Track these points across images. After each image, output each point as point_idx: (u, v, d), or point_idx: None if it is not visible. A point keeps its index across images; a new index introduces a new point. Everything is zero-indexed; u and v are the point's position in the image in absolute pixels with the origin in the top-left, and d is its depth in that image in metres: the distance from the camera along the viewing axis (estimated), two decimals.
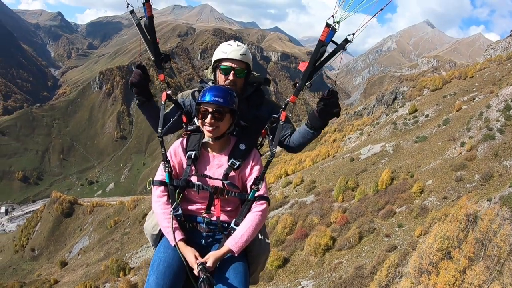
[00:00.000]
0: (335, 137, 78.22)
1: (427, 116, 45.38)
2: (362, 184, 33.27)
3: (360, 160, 40.63)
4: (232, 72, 2.65)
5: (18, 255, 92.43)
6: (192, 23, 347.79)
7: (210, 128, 2.41)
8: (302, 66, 2.47)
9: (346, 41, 2.27)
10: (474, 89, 48.06)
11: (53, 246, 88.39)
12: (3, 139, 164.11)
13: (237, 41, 2.76)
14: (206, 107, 2.39)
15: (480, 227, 18.53)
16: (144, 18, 2.58)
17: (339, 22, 2.22)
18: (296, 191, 41.21)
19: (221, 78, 2.70)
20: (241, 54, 2.64)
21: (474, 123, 33.63)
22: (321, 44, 2.31)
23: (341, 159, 45.76)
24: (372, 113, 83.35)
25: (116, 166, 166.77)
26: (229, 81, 2.65)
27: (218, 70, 2.71)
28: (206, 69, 2.92)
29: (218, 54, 2.69)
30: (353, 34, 2.21)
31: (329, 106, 2.50)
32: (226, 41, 2.86)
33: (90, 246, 71.68)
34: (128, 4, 2.45)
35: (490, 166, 26.54)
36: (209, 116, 2.39)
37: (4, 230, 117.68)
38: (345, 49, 2.31)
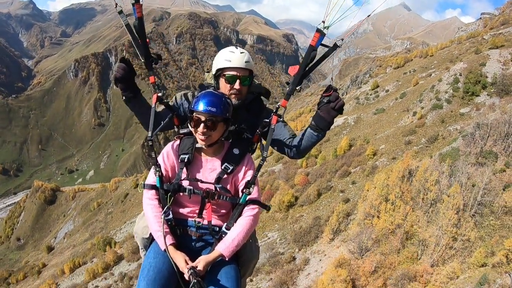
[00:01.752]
0: (310, 117, 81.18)
1: (387, 91, 48.80)
2: (324, 151, 36.70)
3: None
4: (238, 81, 2.62)
5: (4, 246, 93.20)
6: (167, 7, 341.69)
7: (202, 137, 2.40)
8: (292, 70, 2.50)
9: (335, 46, 2.34)
10: (433, 66, 51.41)
11: (38, 234, 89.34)
12: None
13: (239, 48, 2.72)
14: (198, 116, 2.37)
15: (417, 177, 21.85)
16: (134, 19, 2.48)
17: (328, 27, 2.26)
18: (266, 162, 44.30)
19: (225, 87, 2.66)
20: (245, 62, 2.63)
21: (426, 95, 36.92)
22: (312, 49, 2.36)
23: None
24: (346, 94, 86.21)
25: (95, 154, 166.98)
26: (235, 90, 2.63)
27: (221, 78, 2.67)
28: (207, 72, 2.89)
29: (221, 63, 2.64)
30: (342, 39, 2.28)
31: (332, 103, 2.46)
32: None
33: (75, 229, 72.96)
34: (116, 4, 2.39)
35: (436, 131, 29.93)
36: (202, 125, 2.37)
37: None
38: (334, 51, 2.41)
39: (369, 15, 2.27)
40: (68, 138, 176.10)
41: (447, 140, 27.66)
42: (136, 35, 2.50)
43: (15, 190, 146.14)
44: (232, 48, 2.71)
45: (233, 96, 2.63)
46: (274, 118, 2.58)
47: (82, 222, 72.58)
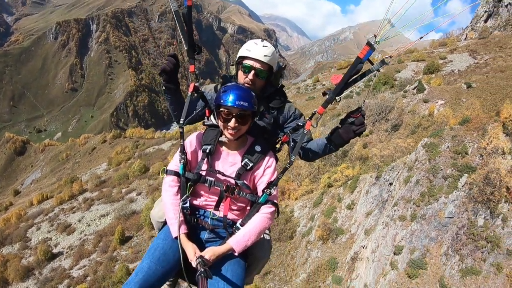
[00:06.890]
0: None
1: (324, 85, 58.73)
2: None
3: None
4: (253, 72, 2.63)
5: None
6: None
7: (232, 132, 2.40)
8: (335, 79, 2.46)
9: (383, 62, 2.31)
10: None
11: (5, 182, 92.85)
12: None
13: (264, 41, 2.73)
14: (229, 110, 2.36)
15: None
16: (183, 7, 2.55)
17: (379, 42, 2.23)
18: None
19: (241, 75, 2.70)
20: (264, 56, 2.62)
21: None
22: (359, 61, 2.30)
23: None
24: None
25: (64, 117, 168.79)
26: (248, 79, 2.64)
27: (240, 66, 2.70)
28: (232, 65, 2.87)
29: (242, 51, 2.69)
30: (391, 57, 2.28)
31: (355, 126, 2.45)
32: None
33: (42, 176, 75.99)
34: None
35: (339, 111, 39.81)
36: (233, 120, 2.36)
37: None
38: (379, 71, 2.34)
39: (421, 37, 2.36)
40: (40, 98, 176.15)
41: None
42: (183, 23, 2.57)
43: None
44: (258, 40, 2.73)
45: (246, 86, 2.59)
46: (308, 124, 2.56)
47: (50, 170, 75.85)
